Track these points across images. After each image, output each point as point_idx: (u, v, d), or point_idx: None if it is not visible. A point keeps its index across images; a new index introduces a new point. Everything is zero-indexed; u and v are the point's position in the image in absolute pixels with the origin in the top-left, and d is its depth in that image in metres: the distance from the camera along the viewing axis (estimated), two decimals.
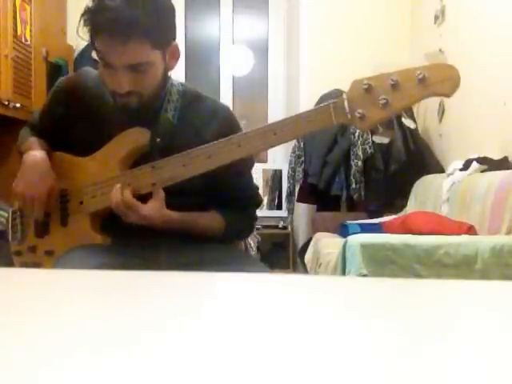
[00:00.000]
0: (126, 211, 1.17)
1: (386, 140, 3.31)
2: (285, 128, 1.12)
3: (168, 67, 1.23)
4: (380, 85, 1.06)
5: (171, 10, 1.17)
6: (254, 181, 1.46)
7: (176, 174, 1.17)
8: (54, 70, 3.48)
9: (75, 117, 1.29)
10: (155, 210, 1.18)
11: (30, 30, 3.24)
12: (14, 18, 3.05)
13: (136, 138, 1.24)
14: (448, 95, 1.05)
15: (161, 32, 1.15)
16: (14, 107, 3.03)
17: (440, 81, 1.03)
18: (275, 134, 1.12)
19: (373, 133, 3.32)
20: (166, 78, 1.24)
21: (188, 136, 1.25)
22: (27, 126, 1.45)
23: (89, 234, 1.26)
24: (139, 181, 1.19)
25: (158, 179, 1.18)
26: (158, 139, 1.24)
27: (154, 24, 1.12)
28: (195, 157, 1.16)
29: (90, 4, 1.12)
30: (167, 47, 1.18)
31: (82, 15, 1.13)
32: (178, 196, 1.21)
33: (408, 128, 3.40)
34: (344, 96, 1.09)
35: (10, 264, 1.37)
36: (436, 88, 1.04)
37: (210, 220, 1.31)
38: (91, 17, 1.12)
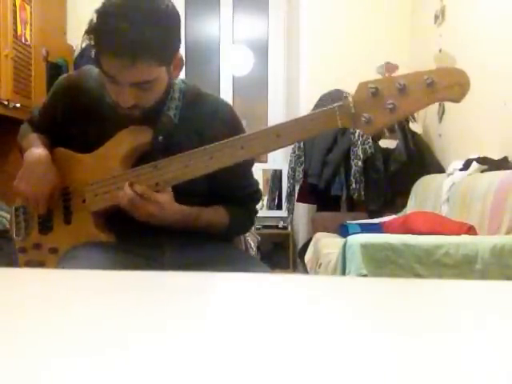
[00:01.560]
0: (142, 203, 1.15)
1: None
2: (289, 130, 1.11)
3: (172, 78, 1.22)
4: (387, 88, 1.03)
5: (177, 21, 1.14)
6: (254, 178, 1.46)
7: (178, 174, 1.16)
8: (54, 70, 3.47)
9: (76, 115, 1.29)
10: (168, 199, 1.17)
11: (30, 30, 3.24)
12: (14, 18, 3.05)
13: (138, 136, 1.24)
14: (457, 101, 1.02)
15: (167, 49, 1.13)
16: (14, 107, 3.03)
17: (449, 86, 1.00)
18: (279, 136, 1.10)
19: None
20: (169, 86, 1.23)
21: (190, 134, 1.25)
22: (27, 121, 1.45)
23: (92, 233, 1.26)
24: (142, 180, 1.19)
25: (160, 179, 1.18)
26: (160, 137, 1.24)
27: (161, 43, 1.10)
28: (198, 157, 1.15)
29: (94, 19, 1.09)
30: (172, 61, 1.17)
31: (86, 32, 1.11)
32: (181, 197, 1.21)
33: (412, 131, 3.40)
34: (350, 99, 1.06)
35: (11, 263, 1.37)
36: (444, 93, 1.01)
37: (215, 214, 1.31)
38: (97, 37, 1.10)
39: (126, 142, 1.24)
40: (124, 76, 1.10)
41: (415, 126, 3.40)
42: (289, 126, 1.12)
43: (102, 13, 1.09)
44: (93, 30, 1.10)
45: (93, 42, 1.11)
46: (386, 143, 3.31)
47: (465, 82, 1.01)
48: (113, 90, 1.16)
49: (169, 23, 1.11)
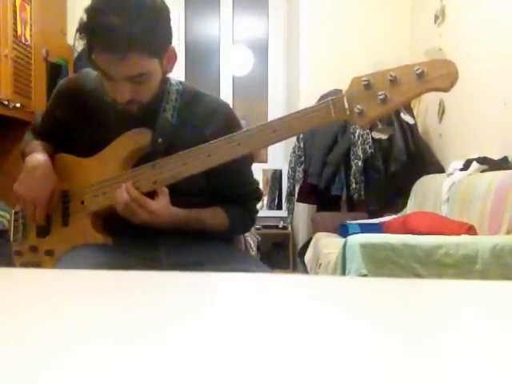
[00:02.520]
0: (136, 209, 1.17)
1: (385, 136, 3.30)
2: (284, 125, 1.13)
3: (166, 71, 1.23)
4: (379, 81, 1.07)
5: (166, 15, 1.16)
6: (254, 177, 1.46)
7: (176, 172, 1.18)
8: (54, 70, 3.47)
9: (76, 118, 1.30)
10: (163, 205, 1.18)
11: (30, 30, 3.24)
12: (14, 18, 3.05)
13: (138, 138, 1.25)
14: (446, 90, 1.05)
15: (158, 42, 1.15)
16: (14, 107, 3.03)
17: (438, 76, 1.04)
18: (275, 131, 1.12)
19: (372, 129, 3.31)
20: (164, 81, 1.25)
21: (188, 135, 1.26)
22: (30, 128, 1.46)
23: (90, 234, 1.26)
24: (140, 180, 1.19)
25: (158, 178, 1.19)
26: (160, 139, 1.24)
27: (151, 36, 1.11)
28: (195, 155, 1.16)
29: (85, 17, 1.11)
30: (164, 53, 1.18)
31: (78, 30, 1.13)
32: (180, 196, 1.21)
33: (407, 124, 3.39)
34: (343, 92, 1.10)
35: (10, 264, 1.37)
36: (434, 83, 1.04)
37: (214, 215, 1.31)
38: (87, 33, 1.11)
39: (126, 145, 1.25)
40: (117, 70, 1.12)
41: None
42: (284, 121, 1.13)
43: (90, 10, 1.11)
44: (83, 28, 1.12)
45: (85, 40, 1.13)
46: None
47: (454, 71, 1.04)
48: (109, 86, 1.17)
49: (156, 16, 1.13)
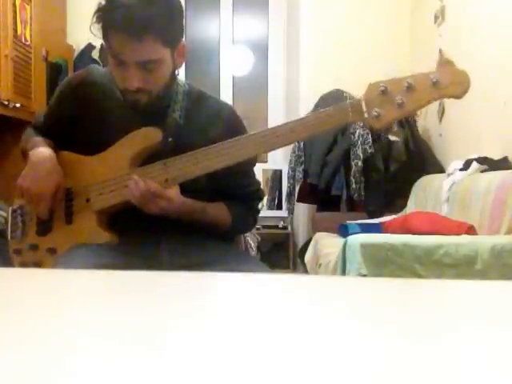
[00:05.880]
0: (153, 198, 1.17)
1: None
2: (302, 126, 1.17)
3: (176, 65, 1.24)
4: (396, 87, 1.13)
5: (181, 11, 1.21)
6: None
7: (187, 171, 1.19)
8: (54, 70, 3.48)
9: (83, 115, 1.29)
10: (176, 193, 1.19)
11: (30, 30, 3.23)
12: (14, 18, 3.05)
13: (148, 136, 1.25)
14: (458, 97, 1.13)
15: (172, 30, 1.18)
16: (14, 107, 3.02)
17: (451, 84, 1.12)
18: (293, 131, 1.16)
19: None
20: (173, 76, 1.26)
21: (194, 135, 1.27)
22: (31, 126, 1.44)
23: (96, 232, 1.25)
24: (151, 178, 1.19)
25: (169, 176, 1.20)
26: (170, 139, 1.25)
27: (166, 22, 1.14)
28: (207, 155, 1.18)
29: (103, 1, 1.14)
30: (176, 45, 1.21)
31: (95, 12, 1.15)
32: (183, 194, 1.21)
33: (407, 125, 3.41)
34: (361, 97, 1.15)
35: (9, 264, 1.36)
36: (447, 91, 1.12)
37: (218, 210, 1.32)
38: (105, 14, 1.14)
39: (136, 142, 1.25)
40: (131, 53, 1.13)
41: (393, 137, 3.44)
42: (302, 122, 1.18)
43: None
44: (101, 9, 1.14)
45: (101, 23, 1.15)
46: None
47: (466, 80, 1.13)
48: (119, 74, 1.18)
49: (173, 5, 1.17)
